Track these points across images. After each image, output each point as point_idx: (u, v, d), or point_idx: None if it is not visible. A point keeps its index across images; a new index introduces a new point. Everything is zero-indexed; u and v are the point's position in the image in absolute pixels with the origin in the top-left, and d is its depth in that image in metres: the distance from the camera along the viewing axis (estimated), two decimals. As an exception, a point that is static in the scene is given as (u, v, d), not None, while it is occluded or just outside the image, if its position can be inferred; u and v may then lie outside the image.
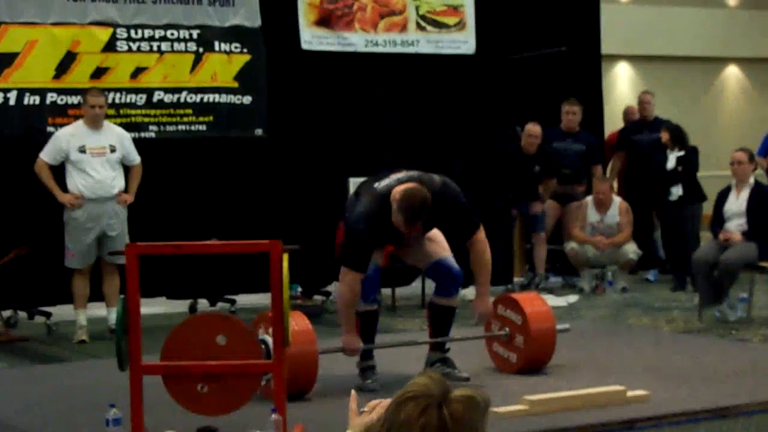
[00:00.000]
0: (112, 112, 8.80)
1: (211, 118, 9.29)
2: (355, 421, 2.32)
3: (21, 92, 8.65)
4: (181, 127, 9.21)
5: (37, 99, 8.70)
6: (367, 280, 6.29)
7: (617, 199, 10.88)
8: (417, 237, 6.43)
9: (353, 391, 2.49)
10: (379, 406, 2.27)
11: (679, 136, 10.49)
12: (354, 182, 8.88)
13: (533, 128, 10.69)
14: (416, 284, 9.89)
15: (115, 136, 8.43)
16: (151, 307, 8.80)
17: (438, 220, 6.33)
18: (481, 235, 6.40)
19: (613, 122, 12.72)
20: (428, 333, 6.89)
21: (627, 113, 12.34)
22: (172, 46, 9.13)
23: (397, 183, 6.10)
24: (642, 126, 11.61)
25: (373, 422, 2.20)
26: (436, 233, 6.56)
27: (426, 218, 6.06)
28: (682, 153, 10.42)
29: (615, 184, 11.63)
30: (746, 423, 5.73)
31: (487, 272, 6.47)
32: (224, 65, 9.32)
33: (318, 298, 10.02)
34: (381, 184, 6.18)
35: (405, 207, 5.93)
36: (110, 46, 8.92)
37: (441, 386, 2.11)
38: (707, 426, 5.69)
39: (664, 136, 10.52)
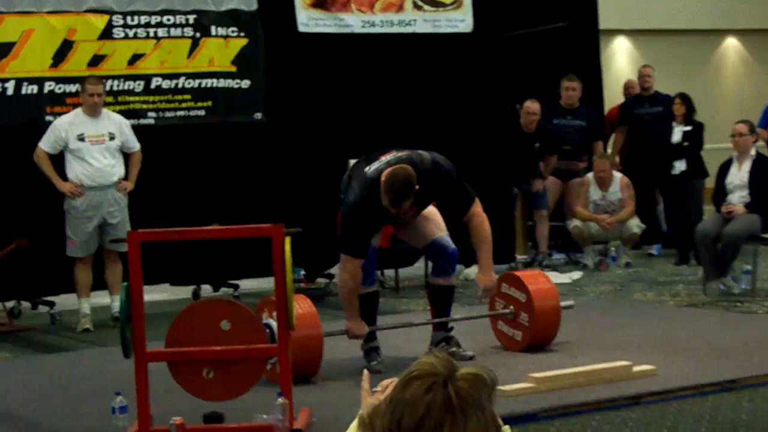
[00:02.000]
0: (110, 99, 8.78)
1: (209, 103, 9.27)
2: (367, 401, 2.32)
3: (18, 82, 8.62)
4: (179, 113, 9.19)
5: (35, 88, 8.67)
6: (366, 263, 6.28)
7: (618, 175, 10.86)
8: (412, 216, 6.41)
9: (366, 372, 2.48)
10: (392, 385, 2.26)
11: (691, 108, 10.45)
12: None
13: (532, 105, 10.66)
14: (419, 264, 9.88)
15: (114, 123, 8.41)
16: (154, 294, 8.79)
17: (431, 197, 6.31)
18: (478, 208, 6.33)
19: (612, 97, 12.69)
20: (430, 313, 6.89)
21: (627, 87, 12.29)
22: (168, 32, 9.10)
23: (386, 166, 6.06)
24: (643, 100, 11.56)
25: (380, 402, 2.19)
26: (431, 212, 6.53)
27: (414, 198, 6.01)
28: (689, 128, 10.38)
29: (617, 159, 11.58)
30: (753, 395, 5.73)
31: (488, 246, 6.38)
32: (221, 50, 9.29)
33: (321, 281, 10.01)
34: (371, 168, 6.14)
35: (388, 189, 5.92)
36: (107, 34, 8.89)
37: (447, 365, 2.10)
38: (714, 399, 5.68)
39: (680, 108, 10.43)
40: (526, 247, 11.21)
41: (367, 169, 6.17)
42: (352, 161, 6.65)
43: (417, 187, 5.95)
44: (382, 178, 5.96)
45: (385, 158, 6.19)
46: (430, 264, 7.35)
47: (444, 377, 2.08)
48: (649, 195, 11.26)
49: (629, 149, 11.65)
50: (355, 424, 2.29)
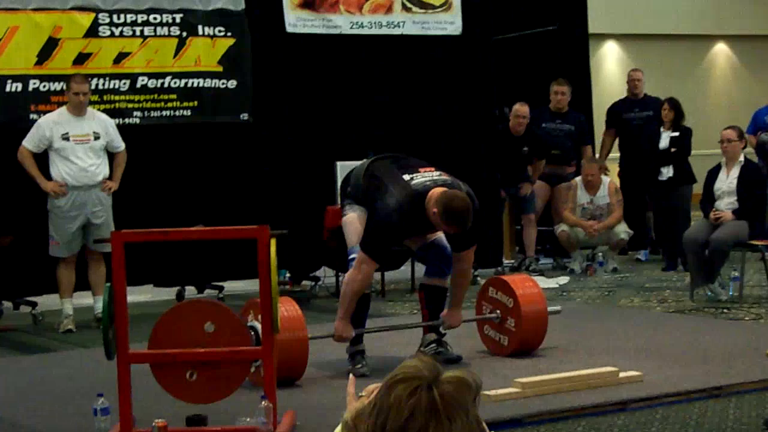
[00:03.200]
0: (95, 98, 8.71)
1: (195, 103, 9.22)
2: (353, 405, 2.29)
3: (3, 79, 8.55)
4: (165, 113, 9.13)
5: (19, 86, 8.60)
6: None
7: (606, 180, 10.84)
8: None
9: (351, 376, 2.48)
10: (377, 390, 2.23)
11: (680, 114, 10.41)
12: (342, 166, 8.82)
13: (521, 108, 10.63)
14: (405, 268, 9.83)
15: (99, 122, 8.34)
16: (138, 295, 8.74)
17: None
18: (473, 253, 6.50)
19: (601, 102, 12.67)
20: (422, 316, 6.85)
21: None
22: (155, 31, 9.04)
23: (433, 185, 6.12)
24: (632, 104, 11.51)
25: (365, 406, 2.16)
26: None
27: None
28: (676, 134, 10.36)
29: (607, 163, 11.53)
30: (739, 402, 5.71)
31: (465, 289, 6.70)
32: (208, 49, 9.24)
33: (307, 283, 9.96)
34: (414, 180, 6.16)
35: (452, 214, 5.95)
36: (92, 32, 8.83)
37: (431, 368, 2.09)
38: (700, 406, 5.66)
39: (669, 114, 10.39)
40: (513, 251, 11.17)
41: (407, 177, 6.20)
42: (340, 164, 6.60)
43: None
44: (441, 199, 5.97)
45: (429, 174, 6.24)
46: (417, 267, 7.32)
47: (428, 380, 2.06)
48: (640, 200, 11.22)
49: (621, 154, 11.56)
50: (339, 428, 2.26)
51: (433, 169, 6.34)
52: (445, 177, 6.26)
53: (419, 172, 6.26)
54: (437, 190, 6.06)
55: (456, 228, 6.06)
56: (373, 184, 6.31)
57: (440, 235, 6.54)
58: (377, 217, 6.18)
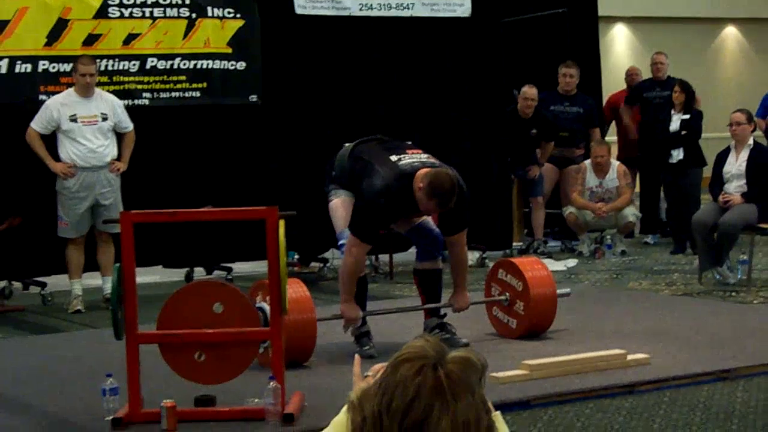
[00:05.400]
0: (104, 79, 8.71)
1: (204, 84, 9.21)
2: (359, 385, 2.30)
3: (12, 60, 8.54)
4: (174, 94, 9.13)
5: (28, 67, 8.60)
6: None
7: (615, 163, 10.81)
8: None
9: (357, 356, 2.47)
10: (383, 370, 2.24)
11: (691, 96, 10.37)
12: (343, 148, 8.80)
13: (529, 91, 10.60)
14: (413, 250, 9.80)
15: (107, 103, 8.34)
16: (146, 276, 8.76)
17: None
18: (464, 236, 6.46)
19: (610, 84, 12.64)
20: (420, 300, 6.85)
21: (630, 75, 12.08)
22: (164, 12, 9.02)
23: (422, 166, 6.06)
24: (654, 84, 11.38)
25: (370, 386, 2.17)
26: None
27: None
28: (687, 116, 10.32)
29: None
30: (747, 385, 5.71)
31: (465, 270, 6.65)
32: (217, 31, 9.22)
33: (315, 265, 9.97)
34: (402, 161, 6.11)
35: (436, 190, 5.90)
36: (102, 13, 8.81)
37: (437, 348, 2.11)
38: (708, 388, 5.66)
39: (679, 96, 10.35)
40: (522, 234, 11.17)
41: (394, 158, 6.14)
42: (348, 145, 6.58)
43: None
44: (426, 179, 5.92)
45: (416, 156, 6.18)
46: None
47: (434, 360, 2.07)
48: (655, 181, 11.11)
49: (640, 134, 11.44)
50: (345, 408, 2.26)
51: (420, 151, 6.29)
52: (432, 160, 6.20)
53: (407, 153, 6.21)
54: (424, 171, 6.01)
55: (438, 203, 5.95)
56: (359, 166, 6.27)
57: (427, 219, 6.52)
58: (365, 198, 6.15)
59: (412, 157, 6.17)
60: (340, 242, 6.38)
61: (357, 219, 6.18)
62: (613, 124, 12.05)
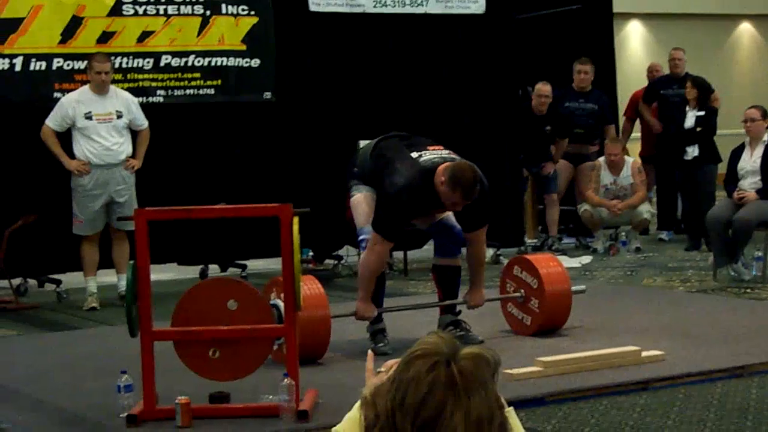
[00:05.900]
0: (119, 76, 8.73)
1: (219, 81, 9.22)
2: (371, 381, 2.31)
3: (27, 58, 8.57)
4: (189, 92, 9.14)
5: (43, 65, 8.62)
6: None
7: (629, 160, 10.80)
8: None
9: (370, 352, 2.49)
10: (396, 366, 2.25)
11: (705, 94, 10.33)
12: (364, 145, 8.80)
13: (543, 88, 10.59)
14: (428, 247, 9.80)
15: (122, 101, 8.36)
16: (161, 274, 8.78)
17: None
18: (484, 233, 6.47)
19: (625, 81, 12.61)
20: (437, 296, 6.85)
21: (651, 71, 12.02)
22: (178, 9, 9.03)
23: (442, 161, 6.05)
24: (671, 81, 11.35)
25: (383, 382, 2.18)
26: None
27: None
28: (702, 113, 10.29)
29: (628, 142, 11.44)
30: (762, 382, 5.69)
31: (483, 268, 6.65)
32: (232, 28, 9.23)
33: (329, 262, 9.98)
34: (423, 157, 6.10)
35: (459, 181, 5.87)
36: (116, 10, 8.83)
37: (450, 344, 2.11)
38: (722, 385, 5.64)
39: (691, 92, 10.32)
40: (536, 230, 11.16)
41: (415, 155, 6.13)
42: (363, 143, 6.58)
43: None
44: (447, 173, 5.90)
45: (437, 152, 6.17)
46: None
47: (447, 356, 2.08)
48: (671, 178, 11.09)
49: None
50: (358, 404, 2.27)
51: (441, 147, 6.28)
52: (453, 155, 6.19)
53: (427, 149, 6.20)
54: (445, 165, 6.00)
55: (462, 194, 5.92)
56: (381, 162, 6.26)
57: (449, 215, 6.52)
58: (387, 196, 6.13)
59: (432, 154, 6.16)
60: (361, 237, 6.37)
61: (380, 217, 6.18)
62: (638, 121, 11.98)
